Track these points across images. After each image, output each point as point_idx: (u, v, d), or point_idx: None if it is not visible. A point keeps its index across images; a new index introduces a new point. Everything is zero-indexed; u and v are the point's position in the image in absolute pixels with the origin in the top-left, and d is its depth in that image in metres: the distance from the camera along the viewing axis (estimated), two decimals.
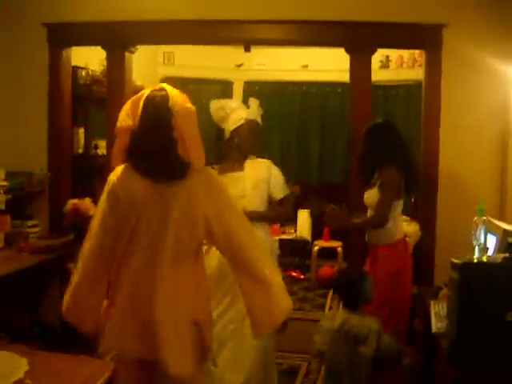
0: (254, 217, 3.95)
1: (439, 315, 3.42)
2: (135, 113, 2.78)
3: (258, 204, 4.16)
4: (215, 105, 4.26)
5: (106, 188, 2.85)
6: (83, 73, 6.74)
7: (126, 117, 2.81)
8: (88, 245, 2.87)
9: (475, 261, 2.92)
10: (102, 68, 7.12)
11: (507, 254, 2.88)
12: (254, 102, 4.33)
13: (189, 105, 2.80)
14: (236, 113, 4.20)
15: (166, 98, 2.76)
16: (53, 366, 2.71)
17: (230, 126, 4.19)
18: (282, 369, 5.08)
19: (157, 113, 2.74)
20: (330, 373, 3.61)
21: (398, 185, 4.19)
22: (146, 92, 2.83)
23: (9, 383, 2.41)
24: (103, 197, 2.86)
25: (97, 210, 2.91)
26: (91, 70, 6.91)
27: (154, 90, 2.81)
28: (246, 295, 2.85)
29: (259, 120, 4.31)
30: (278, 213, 4.37)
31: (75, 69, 6.29)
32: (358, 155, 4.61)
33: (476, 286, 2.73)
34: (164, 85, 2.87)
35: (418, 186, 4.69)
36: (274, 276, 2.88)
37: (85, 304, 2.89)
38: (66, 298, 2.94)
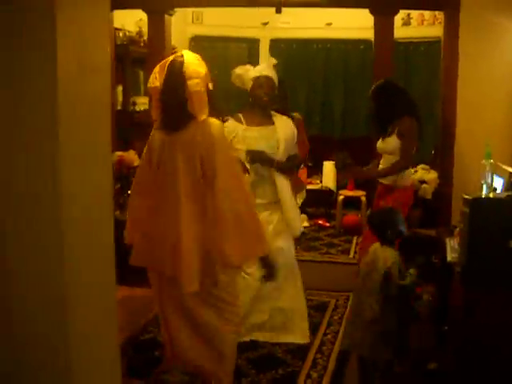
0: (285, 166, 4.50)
1: (454, 248, 3.87)
2: (161, 76, 3.32)
3: (286, 156, 4.59)
4: (234, 74, 4.61)
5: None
6: (120, 34, 7.13)
7: (155, 79, 3.35)
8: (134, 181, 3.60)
9: (483, 197, 3.38)
10: (138, 29, 7.51)
11: (511, 192, 3.32)
12: (269, 59, 4.73)
13: (200, 69, 3.29)
14: (254, 69, 4.55)
15: (182, 64, 3.28)
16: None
17: (249, 81, 4.53)
18: (312, 305, 5.54)
19: (174, 77, 3.28)
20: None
21: (415, 131, 4.74)
22: (170, 58, 3.36)
23: None
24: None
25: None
26: (128, 31, 7.31)
27: (176, 57, 3.35)
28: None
29: (268, 73, 4.55)
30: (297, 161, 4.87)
31: (113, 30, 6.65)
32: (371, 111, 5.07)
33: (483, 218, 3.16)
34: (184, 52, 3.42)
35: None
36: (247, 223, 3.27)
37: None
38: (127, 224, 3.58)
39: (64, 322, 2.34)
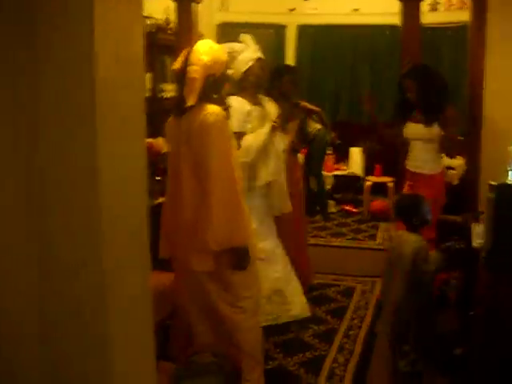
0: None
1: (479, 234, 3.89)
2: (179, 61, 3.47)
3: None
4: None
5: None
6: (148, 21, 7.19)
7: (176, 63, 3.50)
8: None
9: (509, 183, 3.40)
10: (166, 17, 7.57)
11: None
12: (248, 39, 4.50)
13: (203, 57, 3.36)
14: (243, 54, 4.44)
15: (189, 51, 3.41)
16: None
17: (242, 66, 4.43)
18: (339, 290, 5.64)
19: (182, 63, 3.43)
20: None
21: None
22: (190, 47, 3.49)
23: None
24: None
25: None
26: (156, 19, 7.37)
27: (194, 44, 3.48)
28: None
29: (262, 55, 4.53)
30: None
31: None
32: (407, 96, 5.03)
33: (508, 204, 3.19)
34: (203, 41, 3.55)
35: None
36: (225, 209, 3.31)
37: None
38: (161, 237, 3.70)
39: (103, 306, 2.42)
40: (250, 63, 4.45)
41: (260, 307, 3.80)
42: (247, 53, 4.48)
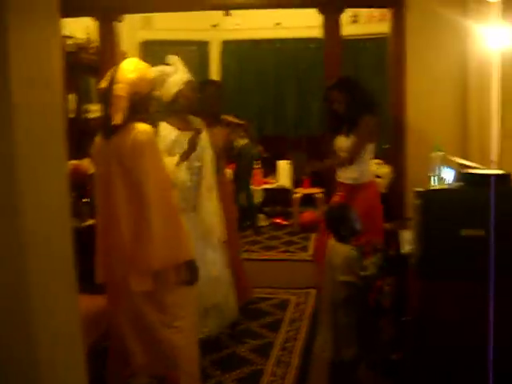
0: None
1: (408, 240, 3.94)
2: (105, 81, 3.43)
3: (211, 157, 4.59)
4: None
5: None
6: (69, 41, 7.09)
7: (103, 82, 3.43)
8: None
9: (434, 188, 3.47)
10: (87, 36, 7.48)
11: (461, 183, 3.40)
12: (176, 61, 4.50)
13: (129, 75, 3.32)
14: (174, 77, 4.45)
15: (115, 69, 3.37)
16: None
17: (172, 89, 4.44)
18: (273, 303, 5.64)
19: (108, 82, 3.36)
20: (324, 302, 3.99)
21: (372, 129, 4.80)
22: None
23: None
24: None
25: None
26: (77, 39, 7.28)
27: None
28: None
29: (191, 77, 4.55)
30: None
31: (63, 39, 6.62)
32: (334, 108, 5.07)
33: (435, 208, 3.23)
34: (129, 59, 3.49)
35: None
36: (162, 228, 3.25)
37: None
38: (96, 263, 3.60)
39: (28, 333, 2.35)
40: (181, 86, 4.45)
41: (197, 326, 3.76)
42: (177, 75, 4.47)
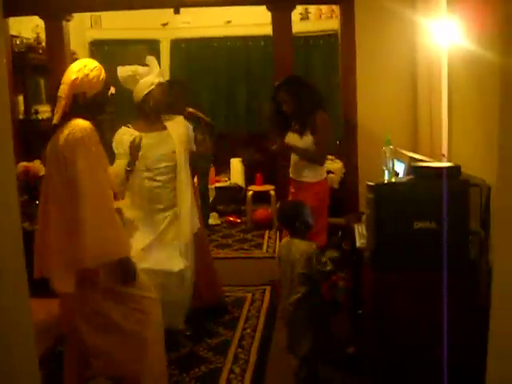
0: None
1: (362, 234, 3.99)
2: None
3: (185, 157, 4.58)
4: (123, 71, 4.48)
5: None
6: (17, 41, 6.98)
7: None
8: None
9: (386, 182, 3.52)
10: (36, 35, 7.38)
11: (412, 176, 3.45)
12: (152, 62, 4.56)
13: (71, 75, 3.33)
14: (146, 78, 4.47)
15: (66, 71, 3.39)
16: None
17: (143, 90, 4.46)
18: (229, 301, 5.62)
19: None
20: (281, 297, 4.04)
21: (329, 124, 4.86)
22: None
23: None
24: None
25: None
26: (25, 38, 7.17)
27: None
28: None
29: (164, 79, 4.64)
30: None
31: (10, 37, 6.50)
32: (282, 109, 5.07)
33: (387, 202, 3.28)
34: (81, 60, 3.50)
35: None
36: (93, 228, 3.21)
37: None
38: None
39: None
40: (152, 87, 4.46)
41: (160, 321, 3.70)
42: (150, 77, 4.48)
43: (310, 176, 4.95)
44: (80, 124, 3.24)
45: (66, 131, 3.22)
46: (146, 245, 4.42)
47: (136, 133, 4.38)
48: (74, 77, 3.30)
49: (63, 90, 3.29)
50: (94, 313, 3.41)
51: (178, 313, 4.66)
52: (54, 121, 3.27)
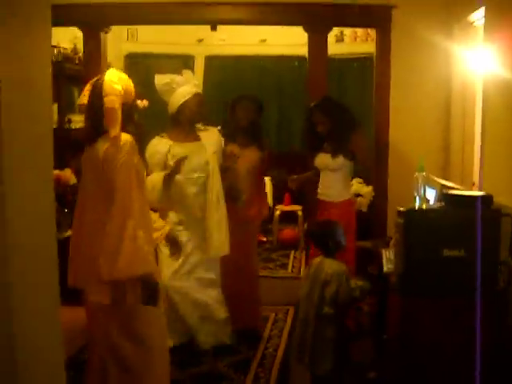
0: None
1: (389, 259, 3.96)
2: (88, 93, 3.35)
3: (217, 169, 4.58)
4: (161, 79, 4.53)
5: None
6: (55, 51, 7.06)
7: (83, 96, 3.39)
8: None
9: (416, 208, 3.49)
10: (73, 46, 7.46)
11: (443, 203, 3.43)
12: (188, 74, 4.61)
13: (117, 86, 3.28)
14: (183, 88, 4.50)
15: (101, 82, 3.29)
16: None
17: (178, 100, 4.49)
18: None
19: (95, 94, 3.29)
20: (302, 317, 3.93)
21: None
22: (97, 77, 3.38)
23: None
24: None
25: None
26: (63, 48, 7.25)
27: (101, 75, 3.36)
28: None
29: (201, 90, 4.67)
30: None
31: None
32: (317, 130, 5.07)
33: (417, 228, 3.26)
34: (110, 70, 3.42)
35: None
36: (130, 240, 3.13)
37: None
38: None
39: (10, 346, 2.32)
40: (188, 97, 4.48)
41: (166, 343, 3.68)
42: (186, 87, 4.51)
43: (335, 196, 4.95)
44: (121, 138, 3.24)
45: (105, 143, 3.22)
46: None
47: (170, 142, 4.42)
48: (119, 88, 3.29)
49: (114, 101, 3.24)
50: (103, 329, 3.39)
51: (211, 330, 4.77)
52: (114, 132, 3.18)
